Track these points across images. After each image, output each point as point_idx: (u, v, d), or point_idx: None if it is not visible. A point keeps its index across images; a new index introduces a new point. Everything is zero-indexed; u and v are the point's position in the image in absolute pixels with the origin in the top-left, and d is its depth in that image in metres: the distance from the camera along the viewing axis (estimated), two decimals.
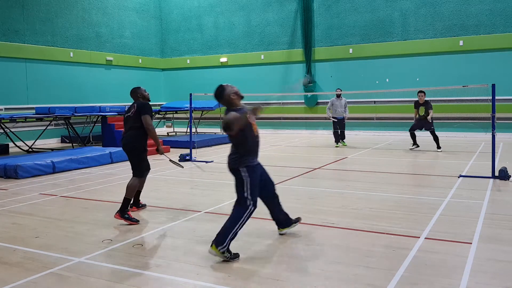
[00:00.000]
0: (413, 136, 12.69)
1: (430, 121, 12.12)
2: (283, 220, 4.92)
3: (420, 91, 12.35)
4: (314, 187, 7.68)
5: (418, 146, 12.73)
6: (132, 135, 5.86)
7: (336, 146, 13.72)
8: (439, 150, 12.07)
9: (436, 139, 12.17)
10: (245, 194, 4.37)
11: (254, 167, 4.41)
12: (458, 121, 16.56)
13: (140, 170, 5.92)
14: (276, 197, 4.83)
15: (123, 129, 6.73)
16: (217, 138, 15.41)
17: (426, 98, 12.38)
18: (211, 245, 4.16)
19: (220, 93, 4.76)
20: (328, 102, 14.59)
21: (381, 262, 4.10)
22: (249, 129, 4.31)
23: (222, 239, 4.16)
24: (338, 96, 13.83)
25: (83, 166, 10.24)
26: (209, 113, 19.33)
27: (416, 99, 12.56)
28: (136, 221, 5.54)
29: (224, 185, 7.97)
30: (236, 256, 4.22)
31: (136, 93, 6.17)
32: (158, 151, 6.10)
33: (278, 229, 4.96)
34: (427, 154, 11.78)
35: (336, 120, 13.81)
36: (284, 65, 19.69)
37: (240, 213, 4.31)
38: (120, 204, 5.68)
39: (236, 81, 21.37)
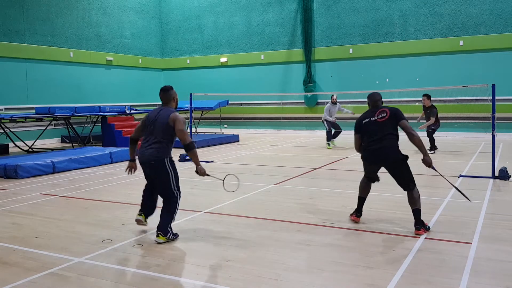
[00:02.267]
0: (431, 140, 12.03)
1: (428, 126, 11.94)
2: (149, 210, 5.28)
3: (424, 94, 12.10)
4: (314, 187, 7.68)
5: (436, 148, 12.15)
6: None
7: (329, 148, 13.46)
8: (431, 152, 11.73)
9: (431, 141, 11.91)
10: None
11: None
12: (458, 121, 16.56)
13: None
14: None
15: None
16: (217, 138, 15.41)
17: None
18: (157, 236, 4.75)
19: (171, 89, 5.11)
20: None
21: (381, 262, 4.10)
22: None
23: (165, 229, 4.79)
24: (334, 102, 13.72)
25: (83, 166, 10.23)
26: (209, 113, 19.33)
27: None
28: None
29: None
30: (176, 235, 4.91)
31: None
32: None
33: (141, 216, 5.18)
34: None
35: (333, 121, 13.64)
36: (284, 65, 19.68)
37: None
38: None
39: (236, 81, 21.57)
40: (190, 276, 3.86)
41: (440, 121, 12.37)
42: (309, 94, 18.61)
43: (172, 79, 22.27)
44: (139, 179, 8.69)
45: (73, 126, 14.02)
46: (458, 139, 15.65)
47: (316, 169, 9.60)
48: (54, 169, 9.57)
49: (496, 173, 8.03)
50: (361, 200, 5.43)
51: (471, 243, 4.54)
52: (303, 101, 19.43)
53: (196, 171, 4.99)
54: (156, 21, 21.94)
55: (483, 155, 11.15)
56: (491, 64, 15.93)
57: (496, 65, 15.83)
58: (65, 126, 14.30)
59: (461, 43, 16.42)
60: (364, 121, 5.25)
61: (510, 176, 7.91)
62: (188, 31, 21.66)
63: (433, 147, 11.94)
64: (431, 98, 12.15)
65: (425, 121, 12.22)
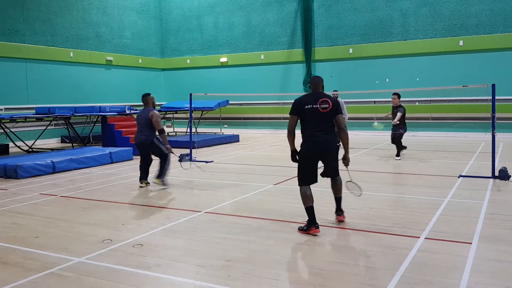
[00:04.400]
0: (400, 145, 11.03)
1: (397, 129, 10.80)
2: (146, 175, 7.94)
3: (394, 93, 11.08)
4: (314, 187, 7.65)
5: (405, 147, 11.27)
6: None
7: None
8: (398, 158, 10.77)
9: (399, 146, 10.85)
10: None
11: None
12: (458, 121, 16.56)
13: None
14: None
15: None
16: (217, 138, 15.41)
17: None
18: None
19: (148, 95, 8.00)
20: None
21: (381, 262, 4.10)
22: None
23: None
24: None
25: (83, 166, 10.23)
26: (209, 113, 19.33)
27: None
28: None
29: (224, 185, 7.98)
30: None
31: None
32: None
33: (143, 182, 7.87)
34: (427, 154, 11.78)
35: None
36: (284, 65, 19.69)
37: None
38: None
39: (236, 81, 21.57)
40: (190, 276, 3.86)
41: (440, 121, 12.21)
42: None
43: (172, 79, 22.28)
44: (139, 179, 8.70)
45: (73, 126, 14.02)
46: (458, 139, 15.65)
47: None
48: (54, 169, 9.57)
49: (496, 173, 8.03)
50: (312, 209, 4.97)
51: (471, 243, 4.54)
52: None
53: (166, 149, 7.70)
54: (156, 21, 21.94)
55: (483, 155, 11.15)
56: (491, 64, 15.93)
57: (496, 65, 15.83)
58: (65, 126, 14.30)
59: (461, 43, 16.43)
60: (306, 107, 4.99)
61: (510, 176, 7.90)
62: (188, 31, 21.66)
63: (402, 148, 10.94)
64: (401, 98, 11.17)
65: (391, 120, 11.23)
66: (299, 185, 5.15)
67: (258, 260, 4.20)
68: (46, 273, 3.96)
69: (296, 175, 5.24)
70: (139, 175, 8.01)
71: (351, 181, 5.54)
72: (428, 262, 4.05)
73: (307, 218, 4.99)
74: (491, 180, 7.91)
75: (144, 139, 7.73)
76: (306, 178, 5.09)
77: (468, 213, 5.72)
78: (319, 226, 4.99)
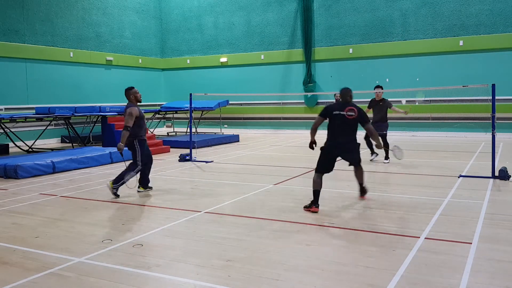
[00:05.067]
0: (370, 144, 10.33)
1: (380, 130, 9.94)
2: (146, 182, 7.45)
3: (379, 86, 10.48)
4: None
5: (377, 154, 10.50)
6: None
7: None
8: (386, 161, 10.09)
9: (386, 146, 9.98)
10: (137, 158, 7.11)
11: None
12: (458, 121, 16.56)
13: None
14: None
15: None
16: (217, 138, 15.41)
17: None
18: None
19: (130, 89, 7.30)
20: (329, 102, 14.58)
21: (381, 262, 4.10)
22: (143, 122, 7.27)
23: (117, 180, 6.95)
24: (338, 101, 13.27)
25: (83, 166, 10.23)
26: (209, 113, 19.33)
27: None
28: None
29: (224, 185, 7.98)
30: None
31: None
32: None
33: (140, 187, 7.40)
34: (427, 154, 11.78)
35: None
36: (284, 65, 19.69)
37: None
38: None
39: (236, 81, 21.57)
40: (190, 276, 3.86)
41: (440, 121, 12.08)
42: (309, 94, 18.61)
43: (172, 79, 22.28)
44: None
45: (73, 126, 14.02)
46: (458, 139, 15.65)
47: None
48: (54, 169, 9.57)
49: (496, 173, 8.03)
50: (318, 192, 5.95)
51: (471, 243, 4.54)
52: (303, 101, 19.44)
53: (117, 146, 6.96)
54: (156, 21, 21.94)
55: (483, 155, 11.15)
56: (491, 64, 15.93)
57: (496, 65, 15.83)
58: (65, 126, 14.30)
59: (461, 43, 16.43)
60: (334, 112, 6.05)
61: (510, 176, 7.91)
62: (188, 31, 21.66)
63: (387, 147, 9.91)
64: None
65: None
66: (315, 172, 6.10)
67: (258, 260, 4.20)
68: (46, 273, 3.96)
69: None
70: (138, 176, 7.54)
71: (396, 146, 7.15)
72: (428, 262, 4.05)
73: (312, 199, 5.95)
74: (491, 180, 7.91)
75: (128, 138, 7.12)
76: (322, 169, 6.07)
77: (468, 213, 5.72)
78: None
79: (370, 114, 7.95)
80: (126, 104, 7.35)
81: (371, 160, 10.37)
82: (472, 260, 4.08)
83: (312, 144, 6.22)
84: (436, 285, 3.57)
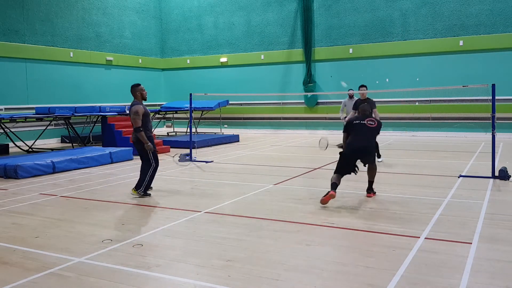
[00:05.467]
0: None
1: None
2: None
3: (364, 85, 10.55)
4: (314, 187, 7.68)
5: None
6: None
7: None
8: (379, 160, 10.07)
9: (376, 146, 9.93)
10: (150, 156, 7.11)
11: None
12: (458, 121, 16.56)
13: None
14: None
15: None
16: (217, 138, 15.41)
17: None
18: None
19: (136, 86, 7.22)
20: (329, 102, 14.56)
21: (381, 262, 4.10)
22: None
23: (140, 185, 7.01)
24: (351, 97, 13.25)
25: (83, 166, 10.23)
26: (209, 113, 19.33)
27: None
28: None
29: (224, 185, 7.98)
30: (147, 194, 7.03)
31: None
32: None
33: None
34: (427, 154, 11.78)
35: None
36: (284, 65, 19.69)
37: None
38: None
39: (236, 81, 21.56)
40: (190, 276, 3.86)
41: (440, 121, 12.09)
42: (309, 94, 18.61)
43: (172, 79, 22.28)
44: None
45: (73, 126, 14.02)
46: (458, 139, 15.65)
47: (316, 169, 9.60)
48: (54, 169, 9.57)
49: (496, 173, 8.03)
50: (335, 184, 6.28)
51: (471, 243, 4.54)
52: (303, 101, 19.44)
53: (145, 148, 6.93)
54: (156, 21, 21.94)
55: (483, 155, 11.15)
56: (491, 64, 15.94)
57: (496, 65, 15.84)
58: (65, 126, 14.30)
59: (461, 43, 16.43)
60: (354, 122, 6.80)
61: (510, 176, 7.90)
62: (188, 31, 21.66)
63: (378, 154, 9.82)
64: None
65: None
66: (334, 172, 6.52)
67: (258, 260, 4.20)
68: (46, 273, 3.96)
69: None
70: (138, 176, 7.25)
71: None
72: (428, 262, 4.05)
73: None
74: (491, 180, 7.91)
75: (134, 137, 7.00)
76: (340, 169, 6.52)
77: (468, 213, 5.72)
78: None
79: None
80: (131, 102, 7.16)
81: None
82: (472, 260, 4.08)
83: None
84: (436, 285, 3.57)
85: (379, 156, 10.46)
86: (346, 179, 8.19)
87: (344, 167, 6.54)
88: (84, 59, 18.05)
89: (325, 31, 18.80)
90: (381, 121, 7.10)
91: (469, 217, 5.55)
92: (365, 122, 6.74)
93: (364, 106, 7.09)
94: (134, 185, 7.32)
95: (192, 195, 7.26)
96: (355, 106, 10.49)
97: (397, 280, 3.67)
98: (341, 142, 7.23)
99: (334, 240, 4.79)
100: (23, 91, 15.75)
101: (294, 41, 19.44)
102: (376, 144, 10.12)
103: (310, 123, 19.26)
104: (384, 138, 16.46)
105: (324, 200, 6.17)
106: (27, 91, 15.86)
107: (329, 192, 6.16)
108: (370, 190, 6.90)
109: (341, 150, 6.92)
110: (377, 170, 6.92)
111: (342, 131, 7.22)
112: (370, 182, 6.92)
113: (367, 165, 6.83)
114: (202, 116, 19.19)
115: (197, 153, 12.15)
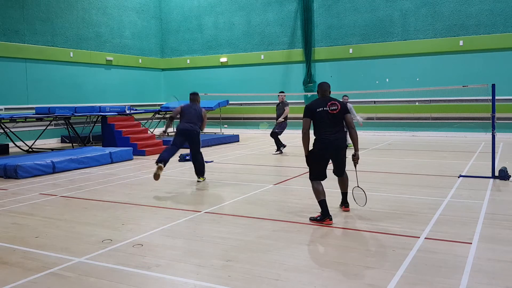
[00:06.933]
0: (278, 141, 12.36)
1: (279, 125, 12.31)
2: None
3: (282, 91, 12.32)
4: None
5: (284, 146, 12.54)
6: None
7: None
8: (279, 151, 12.30)
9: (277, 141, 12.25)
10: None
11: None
12: (458, 121, 16.56)
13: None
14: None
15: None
16: (217, 138, 15.41)
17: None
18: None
19: (197, 94, 8.62)
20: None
21: (381, 262, 4.10)
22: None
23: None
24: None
25: (83, 166, 10.23)
26: (209, 113, 19.29)
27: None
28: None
29: (224, 185, 7.98)
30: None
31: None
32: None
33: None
34: (427, 154, 11.78)
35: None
36: (284, 65, 19.69)
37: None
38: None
39: (236, 81, 21.55)
40: (190, 276, 3.86)
41: (440, 121, 12.23)
42: (309, 94, 18.61)
43: (172, 79, 22.28)
44: (139, 179, 8.71)
45: (73, 126, 14.02)
46: (458, 139, 15.65)
47: None
48: (54, 169, 9.57)
49: (496, 173, 8.03)
50: (324, 202, 5.40)
51: (471, 243, 4.54)
52: (303, 101, 19.44)
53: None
54: (156, 21, 21.94)
55: (483, 155, 11.15)
56: (491, 64, 15.93)
57: (496, 65, 15.84)
58: (65, 126, 14.29)
59: (461, 43, 16.43)
60: (317, 110, 5.50)
61: (510, 176, 7.90)
62: (188, 31, 21.66)
63: (281, 145, 12.32)
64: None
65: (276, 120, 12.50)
66: (310, 180, 5.59)
67: (258, 260, 4.20)
68: (46, 273, 3.96)
69: (308, 171, 5.63)
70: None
71: (358, 187, 5.86)
72: (428, 262, 4.05)
73: (320, 211, 5.44)
74: (491, 180, 7.91)
75: (196, 128, 8.31)
76: (316, 174, 5.53)
77: (468, 213, 5.72)
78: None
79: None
80: (194, 105, 8.55)
81: (273, 154, 12.21)
82: (472, 260, 4.08)
83: (309, 159, 5.56)
84: (436, 285, 3.57)
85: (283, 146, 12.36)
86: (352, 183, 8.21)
87: (319, 170, 5.55)
88: (84, 59, 18.05)
89: (325, 31, 18.80)
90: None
91: (469, 217, 5.55)
92: (327, 108, 5.52)
93: (322, 84, 5.92)
94: (195, 174, 8.44)
95: (192, 195, 7.26)
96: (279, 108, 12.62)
97: (397, 280, 3.67)
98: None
99: (334, 240, 4.79)
100: (23, 91, 15.75)
101: (294, 41, 19.44)
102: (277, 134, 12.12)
103: None
104: (384, 138, 16.46)
105: (315, 223, 5.37)
106: (27, 91, 15.86)
107: (325, 219, 5.34)
108: (345, 203, 6.01)
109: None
110: (378, 170, 6.75)
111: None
112: (344, 194, 6.03)
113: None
114: None
115: None
